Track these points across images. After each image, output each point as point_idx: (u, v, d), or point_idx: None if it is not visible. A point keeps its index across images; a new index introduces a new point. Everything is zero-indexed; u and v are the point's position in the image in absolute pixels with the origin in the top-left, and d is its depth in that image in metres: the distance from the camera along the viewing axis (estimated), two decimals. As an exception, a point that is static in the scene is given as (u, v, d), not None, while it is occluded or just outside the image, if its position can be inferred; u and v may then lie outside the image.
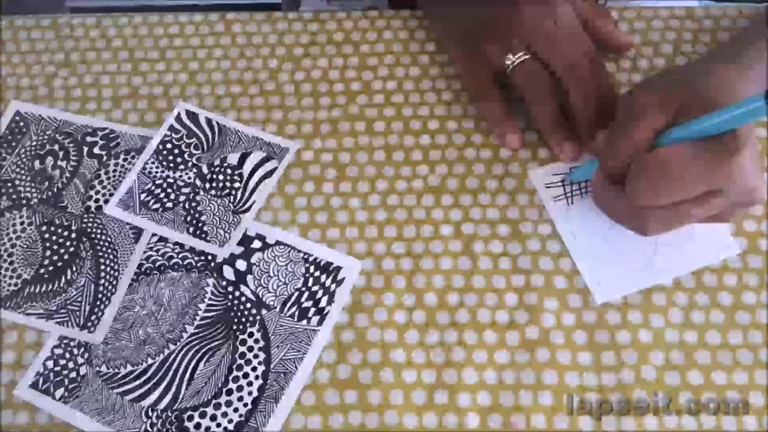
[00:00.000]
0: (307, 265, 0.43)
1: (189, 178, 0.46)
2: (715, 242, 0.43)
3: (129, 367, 0.41)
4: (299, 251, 0.44)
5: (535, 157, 0.46)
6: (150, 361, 0.41)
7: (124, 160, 0.47)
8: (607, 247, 0.43)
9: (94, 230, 0.45)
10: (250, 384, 0.41)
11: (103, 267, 0.44)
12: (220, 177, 0.46)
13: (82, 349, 0.42)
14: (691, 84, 0.38)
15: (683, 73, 0.40)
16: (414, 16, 0.51)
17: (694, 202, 0.36)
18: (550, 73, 0.43)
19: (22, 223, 0.46)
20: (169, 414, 0.40)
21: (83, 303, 0.43)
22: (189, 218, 0.45)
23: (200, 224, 0.45)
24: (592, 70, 0.43)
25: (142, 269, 0.44)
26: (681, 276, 0.42)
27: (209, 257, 0.44)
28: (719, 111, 0.35)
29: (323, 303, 0.42)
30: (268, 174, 0.46)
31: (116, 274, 0.44)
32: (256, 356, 0.41)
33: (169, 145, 0.47)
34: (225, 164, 0.47)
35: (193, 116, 0.48)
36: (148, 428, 0.40)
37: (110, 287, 0.43)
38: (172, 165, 0.47)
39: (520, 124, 0.46)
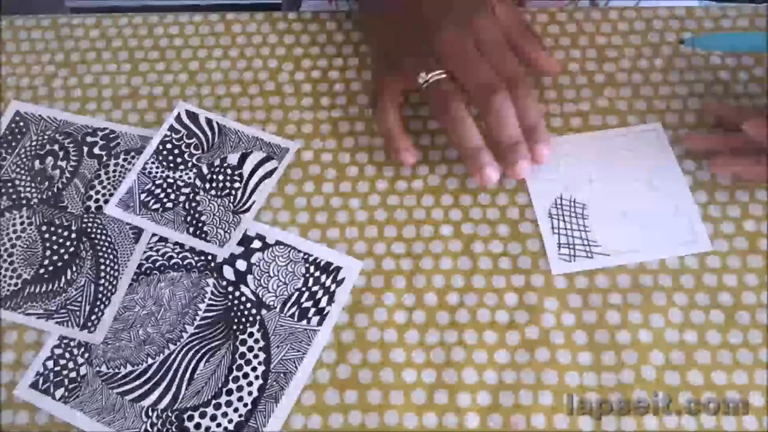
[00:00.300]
0: (307, 265, 0.43)
1: (189, 178, 0.46)
2: (684, 234, 0.43)
3: (129, 367, 0.41)
4: (299, 251, 0.44)
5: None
6: (150, 361, 0.41)
7: (124, 160, 0.47)
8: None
9: (94, 230, 0.45)
10: (250, 384, 0.41)
11: (103, 267, 0.44)
12: (220, 177, 0.46)
13: (82, 349, 0.42)
14: None
15: None
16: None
17: None
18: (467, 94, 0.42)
19: (22, 223, 0.46)
20: (169, 414, 0.40)
21: (83, 303, 0.43)
22: (189, 218, 0.45)
23: (200, 224, 0.45)
24: (515, 93, 0.42)
25: (142, 269, 0.44)
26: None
27: (209, 257, 0.44)
28: None
29: (323, 303, 0.42)
30: (268, 174, 0.46)
31: (116, 274, 0.44)
32: (256, 356, 0.41)
33: (169, 145, 0.47)
34: (225, 164, 0.47)
35: (193, 116, 0.48)
36: (148, 428, 0.40)
37: (110, 287, 0.43)
38: (172, 165, 0.47)
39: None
